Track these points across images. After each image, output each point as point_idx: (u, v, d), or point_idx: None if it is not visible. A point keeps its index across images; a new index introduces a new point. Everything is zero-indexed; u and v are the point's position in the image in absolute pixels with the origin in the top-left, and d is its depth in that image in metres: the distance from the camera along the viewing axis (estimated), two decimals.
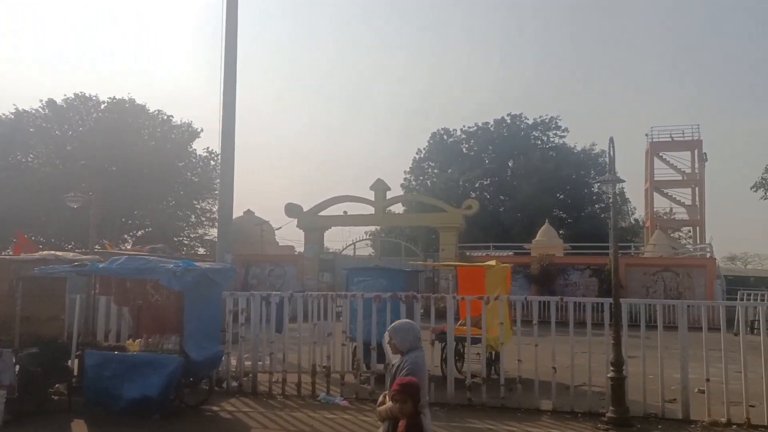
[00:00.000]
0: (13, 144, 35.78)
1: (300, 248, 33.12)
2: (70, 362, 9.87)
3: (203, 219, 41.63)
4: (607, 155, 9.67)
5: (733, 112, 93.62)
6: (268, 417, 9.12)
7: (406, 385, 4.16)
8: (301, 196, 62.63)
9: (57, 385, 9.85)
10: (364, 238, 34.58)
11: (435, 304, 10.22)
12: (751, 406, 8.70)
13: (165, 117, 39.48)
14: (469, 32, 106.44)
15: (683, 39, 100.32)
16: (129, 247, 35.20)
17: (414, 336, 4.68)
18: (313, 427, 8.58)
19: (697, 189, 44.11)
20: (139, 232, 40.79)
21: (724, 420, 8.65)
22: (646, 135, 44.38)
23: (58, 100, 37.81)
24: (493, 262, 12.89)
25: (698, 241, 41.93)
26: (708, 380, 8.86)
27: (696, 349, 9.23)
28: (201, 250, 39.89)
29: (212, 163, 39.41)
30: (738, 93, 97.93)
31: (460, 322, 11.56)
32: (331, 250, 32.37)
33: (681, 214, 45.21)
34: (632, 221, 50.32)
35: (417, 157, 52.26)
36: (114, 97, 38.25)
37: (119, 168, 34.24)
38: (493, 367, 11.20)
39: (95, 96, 38.48)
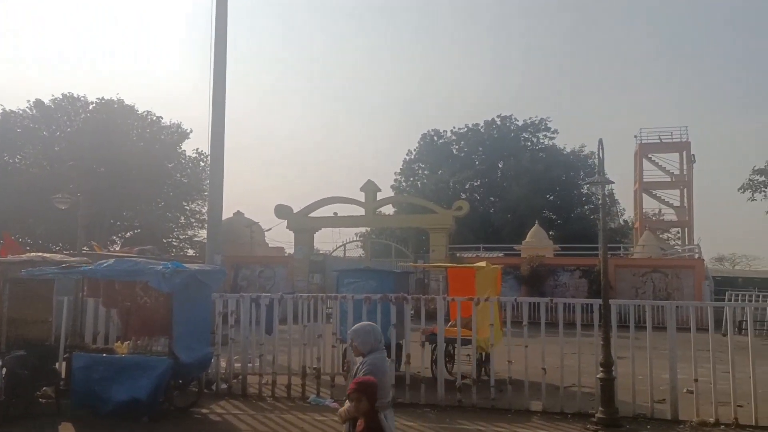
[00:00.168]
0: None
1: (290, 250, 33.03)
2: (57, 365, 9.78)
3: (192, 220, 41.44)
4: (597, 157, 9.71)
5: (721, 115, 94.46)
6: (257, 419, 9.09)
7: (361, 383, 4.23)
8: (291, 198, 62.79)
9: (44, 388, 9.74)
10: (355, 239, 34.52)
11: (425, 305, 10.23)
12: (739, 406, 8.76)
13: (154, 118, 39.26)
14: (459, 34, 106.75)
15: (672, 41, 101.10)
16: (118, 248, 34.96)
17: (375, 338, 4.81)
18: (303, 429, 8.56)
19: (685, 190, 44.41)
20: (128, 234, 40.54)
21: (712, 420, 8.70)
22: (635, 137, 44.67)
23: (46, 101, 37.57)
24: (483, 264, 12.91)
25: (687, 242, 42.21)
26: (696, 380, 8.92)
27: (685, 349, 9.29)
28: (190, 252, 39.69)
29: (202, 164, 39.23)
30: (726, 95, 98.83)
31: (450, 323, 11.57)
32: (321, 252, 32.33)
33: (670, 215, 45.50)
34: (621, 222, 50.59)
35: (407, 158, 52.29)
36: (102, 97, 38.00)
37: (108, 169, 34.01)
38: (483, 369, 11.22)
39: (83, 96, 38.23)
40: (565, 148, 49.83)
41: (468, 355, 10.68)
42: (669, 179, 44.73)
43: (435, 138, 51.87)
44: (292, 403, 9.98)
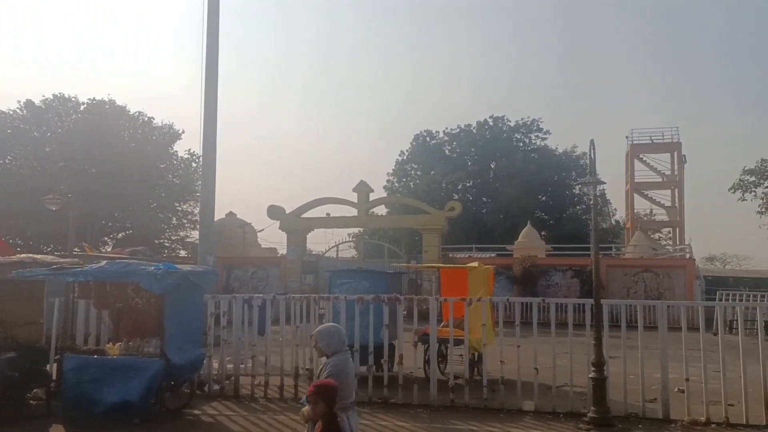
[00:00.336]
0: None
1: (282, 250, 32.96)
2: (48, 367, 9.74)
3: (185, 221, 41.27)
4: (588, 157, 9.75)
5: (711, 115, 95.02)
6: (250, 420, 9.07)
7: (318, 386, 4.28)
8: (283, 198, 62.67)
9: (35, 390, 9.69)
10: (347, 240, 34.46)
11: (418, 305, 10.24)
12: (729, 405, 8.81)
13: (146, 118, 39.07)
14: (451, 35, 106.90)
15: (663, 43, 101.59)
16: (109, 249, 34.80)
17: (339, 339, 4.89)
18: (296, 430, 8.53)
19: (676, 190, 44.66)
20: (120, 235, 40.34)
21: (703, 419, 8.75)
22: (627, 137, 44.92)
23: (37, 101, 37.33)
24: (475, 264, 12.95)
25: (678, 242, 42.44)
26: (687, 380, 8.96)
27: (676, 349, 9.33)
28: (182, 253, 39.54)
29: (194, 164, 39.05)
30: (717, 96, 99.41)
31: (443, 323, 11.58)
32: (313, 252, 32.30)
33: (661, 215, 45.76)
34: (613, 222, 50.80)
35: (400, 159, 52.30)
36: (94, 98, 37.79)
37: (99, 170, 33.77)
38: (475, 369, 11.24)
39: (74, 97, 37.98)
40: (557, 148, 50.06)
41: (461, 355, 10.70)
42: (660, 179, 44.97)
43: (427, 139, 51.92)
44: (284, 404, 9.95)
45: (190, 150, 40.03)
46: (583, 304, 9.58)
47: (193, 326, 9.63)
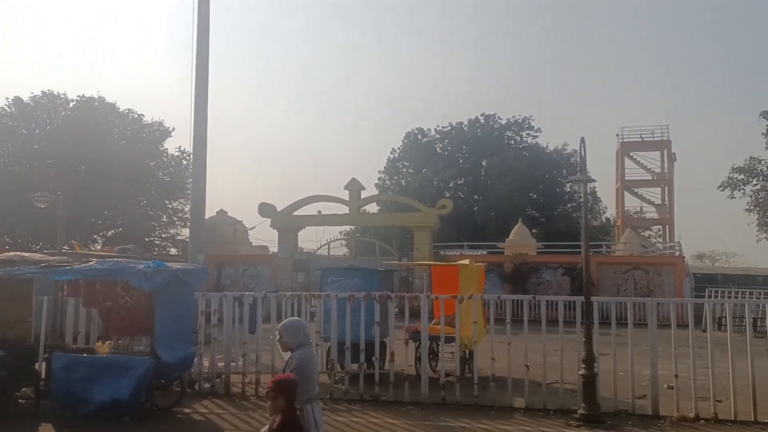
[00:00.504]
0: None
1: (274, 248, 32.89)
2: (37, 365, 9.66)
3: (175, 219, 41.12)
4: (579, 155, 9.77)
5: (701, 114, 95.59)
6: (241, 418, 9.04)
7: (278, 382, 4.38)
8: (274, 196, 62.61)
9: (24, 389, 9.62)
10: (339, 237, 34.55)
11: (409, 303, 10.24)
12: (718, 401, 8.88)
13: (136, 116, 38.90)
14: (442, 33, 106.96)
15: (653, 41, 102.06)
16: (99, 247, 34.66)
17: (303, 333, 4.91)
18: None
19: (666, 188, 44.89)
20: (110, 233, 40.15)
21: (692, 415, 8.80)
22: (617, 135, 45.08)
23: (25, 98, 37.06)
24: (466, 261, 12.96)
25: (668, 240, 42.67)
26: (677, 376, 9.01)
27: (665, 345, 9.39)
28: (173, 251, 39.38)
29: (184, 162, 38.90)
30: (706, 94, 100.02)
31: (434, 321, 11.60)
32: (305, 250, 32.21)
33: (651, 213, 46.00)
34: (603, 220, 50.99)
35: (391, 156, 52.28)
36: (83, 95, 37.58)
37: (89, 167, 33.64)
38: (466, 366, 11.26)
39: (63, 94, 37.73)
40: (548, 146, 50.20)
41: (452, 352, 10.71)
42: (650, 177, 45.20)
43: (419, 136, 51.93)
44: None
45: (180, 147, 39.94)
46: (574, 302, 9.62)
47: (184, 324, 9.60)
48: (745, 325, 9.15)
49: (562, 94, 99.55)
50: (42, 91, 37.37)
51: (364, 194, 31.19)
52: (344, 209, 30.16)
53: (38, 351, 10.07)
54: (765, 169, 33.82)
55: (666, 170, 44.50)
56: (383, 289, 11.42)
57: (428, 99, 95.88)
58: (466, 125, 50.89)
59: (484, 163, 49.51)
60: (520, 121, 50.63)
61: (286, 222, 30.09)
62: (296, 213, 30.49)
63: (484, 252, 33.72)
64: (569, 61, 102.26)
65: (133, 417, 8.58)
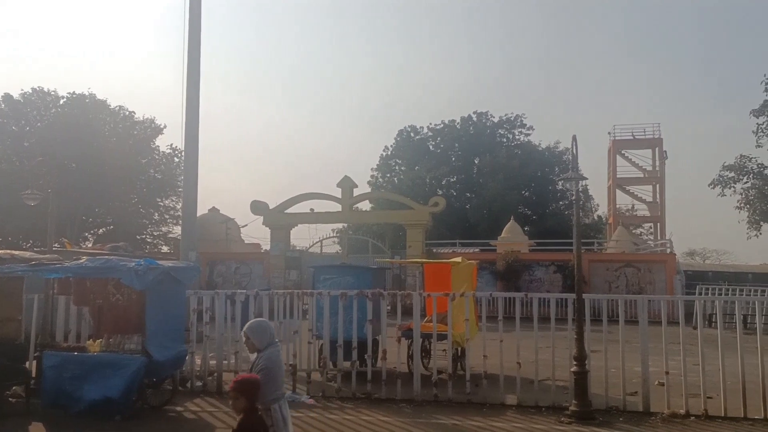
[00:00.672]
0: None
1: (266, 246, 32.83)
2: (27, 364, 9.61)
3: (167, 217, 40.92)
4: (571, 153, 9.79)
5: (692, 112, 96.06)
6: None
7: (239, 382, 4.41)
8: (267, 194, 62.43)
9: (14, 388, 9.57)
10: (331, 235, 34.39)
11: (401, 300, 10.24)
12: (708, 397, 8.94)
13: (127, 113, 38.67)
14: (435, 30, 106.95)
15: (645, 39, 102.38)
16: (90, 245, 34.47)
17: (270, 333, 4.95)
18: None
19: (657, 186, 45.14)
20: (101, 230, 39.93)
21: (682, 412, 8.86)
22: (609, 133, 45.35)
23: (15, 95, 36.78)
24: (459, 259, 12.97)
25: (659, 237, 42.92)
26: (668, 373, 9.07)
27: (656, 342, 9.43)
28: (165, 249, 39.21)
29: (176, 159, 38.70)
30: (697, 93, 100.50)
31: (426, 318, 11.61)
32: (297, 248, 32.18)
33: (642, 210, 46.25)
34: (595, 218, 51.17)
35: (384, 154, 52.27)
36: (74, 92, 37.27)
37: (79, 165, 33.42)
38: (459, 363, 11.27)
39: (54, 91, 37.41)
40: (540, 144, 50.30)
41: (444, 350, 10.72)
42: (642, 175, 45.45)
43: (411, 134, 51.92)
44: None
45: (172, 145, 39.70)
46: (566, 299, 9.66)
47: (175, 322, 9.56)
48: (736, 322, 9.20)
49: (555, 92, 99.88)
50: (32, 88, 37.11)
51: (356, 192, 31.19)
52: (337, 207, 30.13)
53: (29, 349, 10.01)
54: (755, 166, 34.04)
55: (657, 168, 44.75)
56: (376, 286, 11.42)
57: (421, 97, 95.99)
58: (458, 123, 50.94)
59: (476, 161, 49.56)
60: (512, 118, 50.76)
61: (279, 220, 30.04)
62: (288, 211, 30.45)
63: (477, 249, 33.79)
64: (562, 58, 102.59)
65: (124, 416, 8.54)
